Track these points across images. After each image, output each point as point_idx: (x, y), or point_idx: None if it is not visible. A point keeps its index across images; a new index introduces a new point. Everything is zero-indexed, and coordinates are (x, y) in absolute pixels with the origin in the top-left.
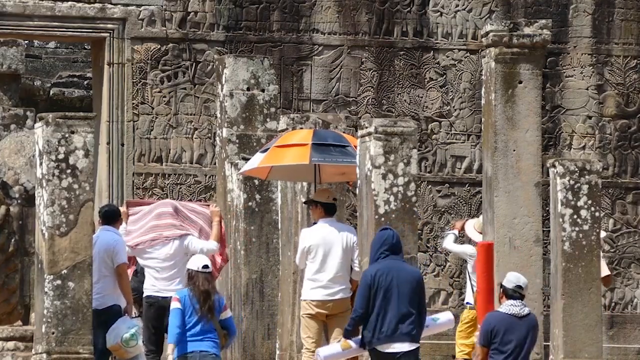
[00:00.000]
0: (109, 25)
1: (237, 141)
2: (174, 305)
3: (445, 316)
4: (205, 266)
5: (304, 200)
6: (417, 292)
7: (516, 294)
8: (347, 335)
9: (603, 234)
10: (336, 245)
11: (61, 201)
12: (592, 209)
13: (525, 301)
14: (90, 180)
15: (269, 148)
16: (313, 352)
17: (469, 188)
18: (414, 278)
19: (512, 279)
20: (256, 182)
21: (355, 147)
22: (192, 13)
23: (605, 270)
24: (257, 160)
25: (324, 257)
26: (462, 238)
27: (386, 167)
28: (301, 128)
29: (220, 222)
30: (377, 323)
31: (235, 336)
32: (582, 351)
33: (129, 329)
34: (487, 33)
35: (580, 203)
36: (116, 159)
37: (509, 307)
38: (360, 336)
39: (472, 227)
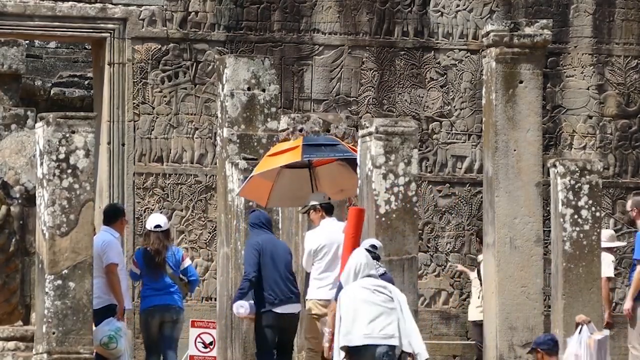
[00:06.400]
0: (110, 25)
1: (238, 141)
2: (131, 269)
3: None
4: (157, 225)
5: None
6: (291, 263)
7: (370, 254)
8: (240, 298)
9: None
10: (341, 245)
11: (62, 201)
12: (593, 208)
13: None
14: (90, 180)
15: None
16: (316, 352)
17: (469, 188)
18: (289, 251)
19: (363, 242)
20: None
21: (354, 150)
22: (193, 13)
23: None
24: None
25: (330, 257)
26: None
27: (387, 167)
28: (302, 128)
29: None
30: (273, 286)
31: (198, 282)
32: None
33: (109, 332)
34: (487, 33)
35: (581, 203)
36: (117, 159)
37: None
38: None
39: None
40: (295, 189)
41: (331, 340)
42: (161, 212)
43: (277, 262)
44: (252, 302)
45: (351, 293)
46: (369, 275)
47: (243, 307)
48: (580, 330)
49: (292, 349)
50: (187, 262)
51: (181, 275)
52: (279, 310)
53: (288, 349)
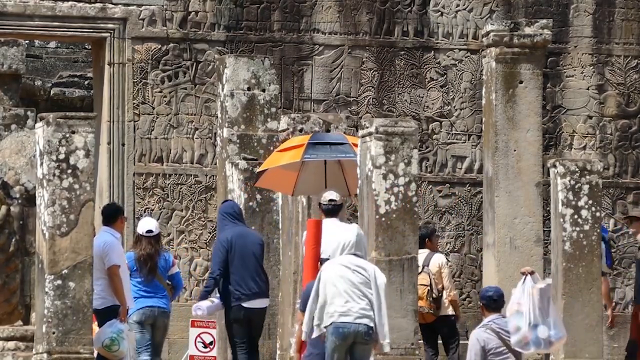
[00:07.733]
0: (110, 25)
1: (238, 141)
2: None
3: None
4: (149, 230)
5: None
6: (262, 254)
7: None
8: (205, 296)
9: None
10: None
11: (62, 201)
12: (593, 209)
13: None
14: (90, 180)
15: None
16: None
17: (469, 188)
18: (260, 241)
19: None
20: None
21: (356, 146)
22: (193, 13)
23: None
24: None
25: (327, 256)
26: None
27: (387, 167)
28: (302, 128)
29: None
30: (241, 281)
31: (181, 290)
32: (582, 351)
33: (111, 334)
34: (487, 33)
35: (581, 203)
36: (117, 159)
37: None
38: (217, 295)
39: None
40: (319, 178)
41: (300, 350)
42: (152, 216)
43: (245, 258)
44: (218, 298)
45: (331, 270)
46: (355, 254)
47: (200, 310)
48: (524, 281)
49: (257, 344)
50: (175, 269)
51: (167, 281)
52: (246, 304)
53: (254, 344)
